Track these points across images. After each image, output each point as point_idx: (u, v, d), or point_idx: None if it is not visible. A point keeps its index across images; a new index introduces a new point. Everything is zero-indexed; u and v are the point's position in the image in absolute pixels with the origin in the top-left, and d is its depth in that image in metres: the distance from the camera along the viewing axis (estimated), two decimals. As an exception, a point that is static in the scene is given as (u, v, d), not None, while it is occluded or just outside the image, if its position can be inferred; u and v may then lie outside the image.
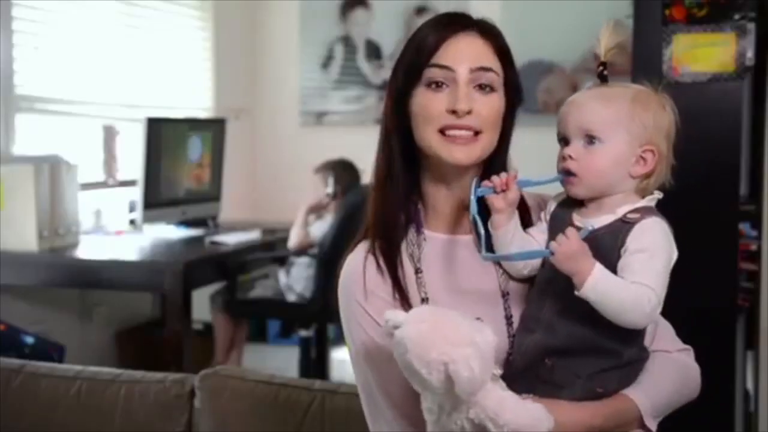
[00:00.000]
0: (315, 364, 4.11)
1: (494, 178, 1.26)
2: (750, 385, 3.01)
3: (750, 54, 2.56)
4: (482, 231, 1.24)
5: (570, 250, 1.15)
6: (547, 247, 1.23)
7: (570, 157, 1.24)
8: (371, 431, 1.37)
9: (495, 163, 1.33)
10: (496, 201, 1.26)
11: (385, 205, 1.36)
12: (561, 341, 1.22)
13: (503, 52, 1.32)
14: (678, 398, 1.33)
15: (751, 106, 2.84)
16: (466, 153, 1.28)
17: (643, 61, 2.57)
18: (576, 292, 1.15)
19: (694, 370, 1.37)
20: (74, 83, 3.80)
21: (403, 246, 1.35)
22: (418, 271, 1.33)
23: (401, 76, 1.32)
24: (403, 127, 1.33)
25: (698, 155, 2.49)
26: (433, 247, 1.35)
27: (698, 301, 2.32)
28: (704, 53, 2.54)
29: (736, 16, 2.51)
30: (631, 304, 1.16)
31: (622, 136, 1.23)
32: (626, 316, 1.17)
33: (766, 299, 2.65)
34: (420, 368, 1.09)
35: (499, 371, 1.15)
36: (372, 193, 1.38)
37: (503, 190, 1.26)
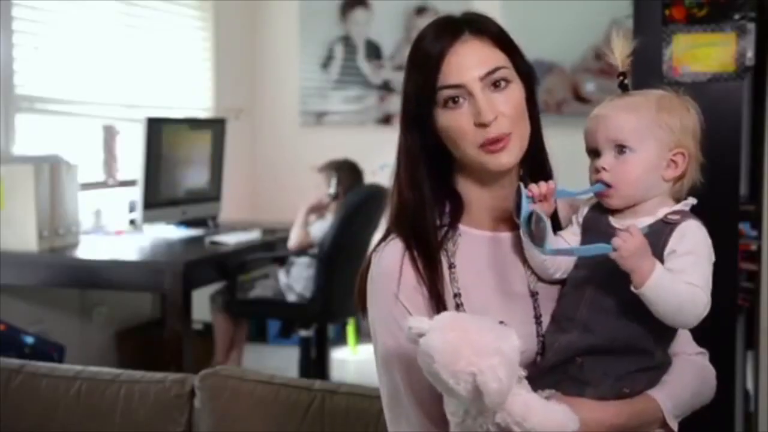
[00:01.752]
0: (315, 364, 4.10)
1: (533, 187, 1.27)
2: (750, 385, 3.01)
3: (750, 54, 2.56)
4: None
5: (634, 246, 1.16)
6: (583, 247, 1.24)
7: (603, 168, 1.26)
8: (391, 427, 1.36)
9: (532, 148, 1.34)
10: (537, 209, 1.27)
11: (417, 211, 1.34)
12: (599, 341, 1.23)
13: (501, 41, 1.32)
14: (698, 399, 1.34)
15: (751, 106, 2.84)
16: (508, 156, 1.29)
17: (643, 61, 2.56)
18: (634, 289, 1.16)
19: (710, 372, 1.39)
20: (74, 83, 3.80)
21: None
22: (451, 266, 1.33)
23: (414, 102, 1.32)
24: (426, 142, 1.33)
25: (698, 155, 2.49)
26: (468, 242, 1.35)
27: (698, 301, 2.31)
28: (704, 53, 2.53)
29: (736, 16, 2.50)
30: (687, 304, 1.18)
31: (651, 143, 1.25)
32: (680, 316, 1.19)
33: (766, 299, 2.64)
34: (447, 378, 1.08)
35: (523, 373, 1.15)
36: (395, 198, 1.36)
37: (541, 201, 1.27)
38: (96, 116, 3.93)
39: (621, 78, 1.32)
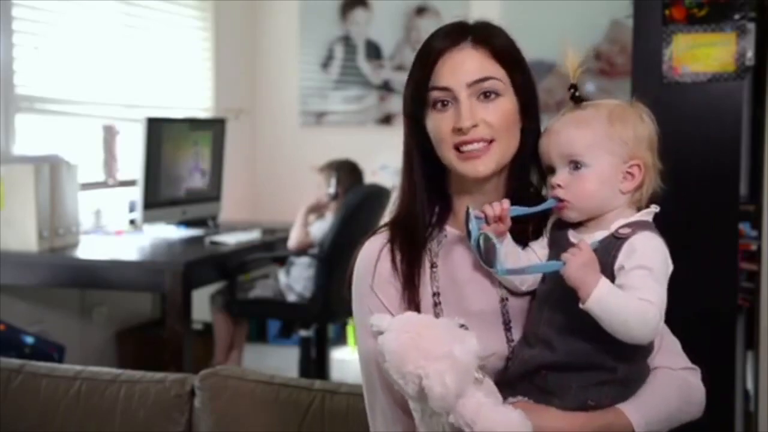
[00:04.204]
0: (315, 364, 4.11)
1: (487, 209, 1.27)
2: (750, 385, 3.01)
3: (750, 54, 2.56)
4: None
5: (582, 261, 1.15)
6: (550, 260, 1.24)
7: (558, 185, 1.25)
8: (369, 418, 1.38)
9: (518, 163, 1.34)
10: (487, 231, 1.26)
11: (410, 207, 1.37)
12: (560, 358, 1.22)
13: (503, 54, 1.32)
14: (678, 415, 1.31)
15: (751, 106, 2.84)
16: (483, 165, 1.29)
17: (643, 61, 2.57)
18: (581, 305, 1.15)
19: (697, 390, 1.35)
20: (74, 83, 3.80)
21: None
22: (433, 265, 1.35)
23: (410, 103, 1.35)
24: (422, 144, 1.35)
25: (698, 155, 2.50)
26: (452, 244, 1.37)
27: (698, 301, 2.32)
28: (704, 53, 2.53)
29: (736, 16, 2.50)
30: (635, 319, 1.15)
31: (605, 157, 1.24)
32: (630, 332, 1.16)
33: (766, 299, 2.64)
34: (397, 378, 1.12)
35: (482, 376, 1.15)
36: (398, 198, 1.40)
37: (496, 221, 1.26)
38: (96, 116, 3.93)
39: (572, 90, 1.29)
